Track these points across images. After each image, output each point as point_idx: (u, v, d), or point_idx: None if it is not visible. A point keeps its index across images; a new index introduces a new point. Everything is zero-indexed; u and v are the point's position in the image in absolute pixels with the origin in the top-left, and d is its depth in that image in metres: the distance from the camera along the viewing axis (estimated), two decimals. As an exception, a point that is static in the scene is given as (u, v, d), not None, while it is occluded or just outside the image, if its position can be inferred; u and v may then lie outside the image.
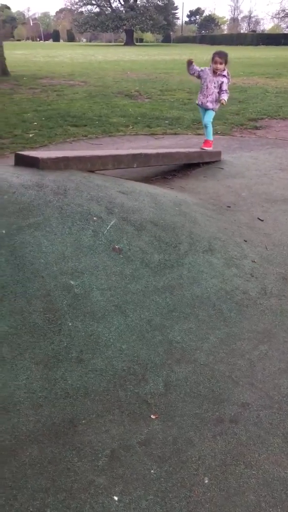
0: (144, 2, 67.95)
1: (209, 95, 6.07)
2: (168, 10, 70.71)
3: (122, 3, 68.14)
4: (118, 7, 69.00)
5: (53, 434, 2.00)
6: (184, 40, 75.95)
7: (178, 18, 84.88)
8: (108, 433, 2.04)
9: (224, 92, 6.02)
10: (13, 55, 25.24)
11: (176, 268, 3.22)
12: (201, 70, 6.09)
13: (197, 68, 6.12)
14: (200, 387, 2.35)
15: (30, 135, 8.03)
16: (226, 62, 5.96)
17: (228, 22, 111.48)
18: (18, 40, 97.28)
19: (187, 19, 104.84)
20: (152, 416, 2.15)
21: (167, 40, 78.62)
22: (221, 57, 5.92)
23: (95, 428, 2.05)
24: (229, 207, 4.69)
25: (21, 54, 29.87)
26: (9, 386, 2.20)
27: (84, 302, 2.73)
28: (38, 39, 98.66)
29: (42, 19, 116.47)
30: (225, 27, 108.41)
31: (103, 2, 69.30)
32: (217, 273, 3.30)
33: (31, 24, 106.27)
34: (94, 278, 2.90)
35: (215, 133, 8.58)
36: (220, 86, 6.02)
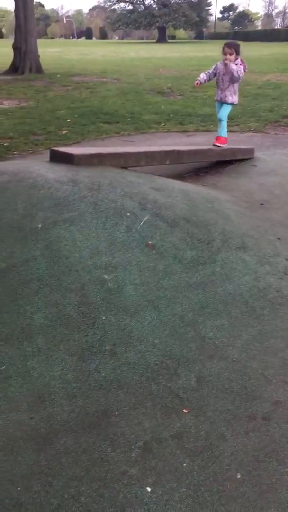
0: (177, -1, 67.67)
1: (226, 88, 5.73)
2: (201, 6, 70.06)
3: (155, 0, 68.02)
4: (151, 4, 68.85)
5: (87, 425, 2.04)
6: (217, 36, 75.18)
7: (211, 15, 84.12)
8: (140, 425, 2.06)
9: (238, 71, 5.52)
10: (46, 53, 25.52)
11: (208, 265, 3.22)
12: (213, 68, 5.81)
13: (206, 73, 5.84)
14: (232, 384, 2.35)
15: (64, 132, 8.13)
16: (237, 52, 5.59)
17: (262, 18, 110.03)
18: (52, 38, 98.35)
19: (220, 16, 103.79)
20: (184, 411, 2.17)
21: (199, 36, 78.07)
22: (230, 47, 5.60)
23: (128, 420, 2.08)
24: (262, 204, 4.65)
25: (54, 52, 30.20)
26: (44, 377, 2.25)
27: (117, 297, 2.77)
28: (71, 37, 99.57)
29: (75, 16, 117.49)
30: (259, 23, 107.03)
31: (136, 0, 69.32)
32: (250, 270, 3.28)
33: (65, 22, 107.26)
34: (127, 273, 2.93)
35: (248, 130, 8.51)
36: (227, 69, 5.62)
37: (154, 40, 69.91)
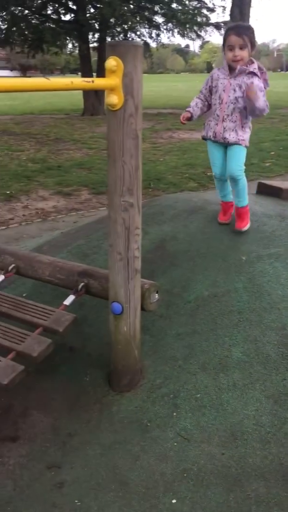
0: None
1: (228, 115, 3.08)
2: None
3: None
4: None
5: (280, 476, 1.92)
6: None
7: None
8: None
9: (256, 98, 2.87)
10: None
11: None
12: (206, 83, 3.17)
13: (199, 96, 3.21)
14: None
15: (267, 164, 8.10)
16: (253, 45, 2.88)
17: None
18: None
19: None
20: None
21: None
22: (241, 33, 2.86)
23: None
24: None
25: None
26: (238, 414, 2.20)
27: None
28: (279, 70, 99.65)
29: (286, 50, 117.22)
30: None
31: None
32: None
33: (275, 55, 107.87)
34: None
35: None
36: (245, 92, 2.92)
37: None
